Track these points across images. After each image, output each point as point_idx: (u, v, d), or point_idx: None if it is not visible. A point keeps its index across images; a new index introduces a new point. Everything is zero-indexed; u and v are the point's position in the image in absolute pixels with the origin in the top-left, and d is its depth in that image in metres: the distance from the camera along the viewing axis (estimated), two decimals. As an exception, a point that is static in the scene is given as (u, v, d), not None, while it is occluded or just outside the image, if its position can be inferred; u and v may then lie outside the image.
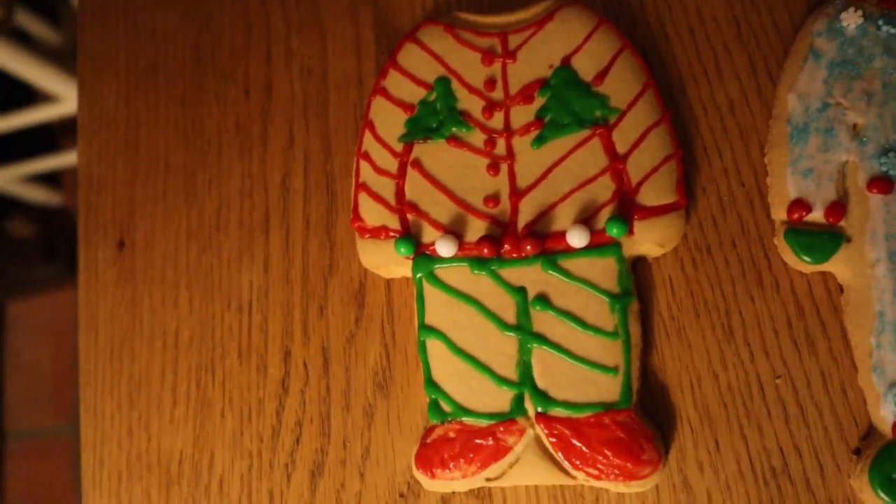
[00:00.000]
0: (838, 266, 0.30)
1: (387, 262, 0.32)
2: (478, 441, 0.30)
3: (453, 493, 0.32)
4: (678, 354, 0.31)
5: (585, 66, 0.32)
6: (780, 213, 0.31)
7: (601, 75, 0.32)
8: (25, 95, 0.95)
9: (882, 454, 0.28)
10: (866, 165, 0.30)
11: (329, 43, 0.38)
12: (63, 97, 0.89)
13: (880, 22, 0.31)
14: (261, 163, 0.37)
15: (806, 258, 0.30)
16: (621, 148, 0.31)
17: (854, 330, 0.29)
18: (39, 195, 1.12)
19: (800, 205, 0.30)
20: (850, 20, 0.31)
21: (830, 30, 0.31)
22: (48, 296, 1.12)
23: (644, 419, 0.30)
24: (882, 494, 0.28)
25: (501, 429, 0.30)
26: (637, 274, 0.32)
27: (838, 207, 0.30)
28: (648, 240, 0.31)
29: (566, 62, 0.33)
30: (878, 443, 0.28)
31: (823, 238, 0.30)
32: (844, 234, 0.30)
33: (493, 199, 0.32)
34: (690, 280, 0.32)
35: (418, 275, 0.31)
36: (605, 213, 0.31)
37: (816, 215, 0.30)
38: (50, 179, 1.13)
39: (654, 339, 0.32)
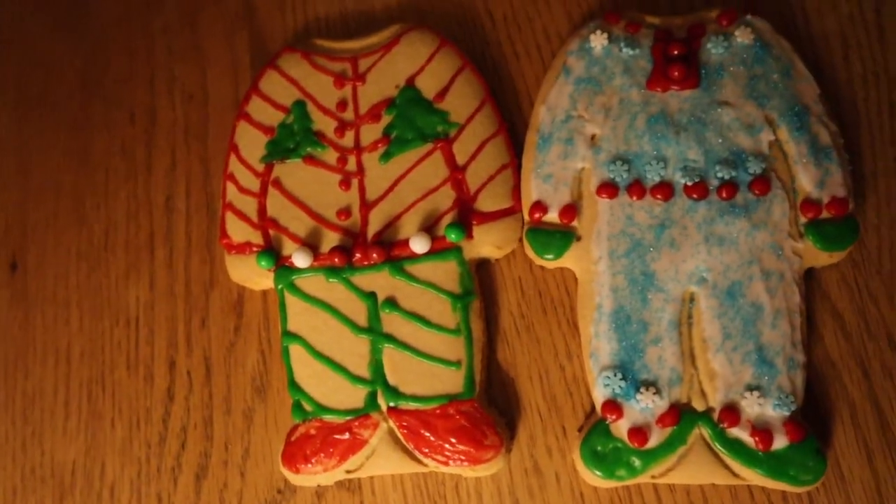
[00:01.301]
0: (571, 262, 0.32)
1: (252, 275, 0.35)
2: (336, 436, 0.32)
3: (326, 486, 0.34)
4: (528, 349, 0.34)
5: (428, 85, 0.35)
6: (525, 214, 0.33)
7: (442, 93, 0.35)
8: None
9: (593, 431, 0.31)
10: (598, 172, 0.33)
11: (209, 68, 0.40)
12: None
13: (622, 44, 0.34)
14: (146, 185, 0.39)
15: (543, 254, 0.32)
16: (461, 159, 0.34)
17: (580, 320, 0.32)
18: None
19: (539, 206, 0.33)
20: (597, 42, 0.34)
21: (581, 49, 0.34)
22: None
23: (488, 408, 0.32)
24: (590, 466, 0.31)
25: (357, 423, 0.32)
26: (488, 275, 0.35)
27: (571, 209, 0.32)
28: (487, 243, 0.33)
29: (411, 82, 0.35)
30: (594, 420, 0.31)
31: (557, 237, 0.32)
32: (575, 233, 0.33)
33: (345, 212, 0.34)
34: (538, 280, 0.35)
35: (279, 286, 0.34)
36: (445, 220, 0.33)
37: (552, 216, 0.33)
38: None
39: (505, 336, 0.34)
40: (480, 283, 0.34)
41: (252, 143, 0.36)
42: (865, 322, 0.32)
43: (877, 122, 0.34)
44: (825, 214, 0.31)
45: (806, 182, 0.32)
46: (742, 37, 0.33)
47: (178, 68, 0.41)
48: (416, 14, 0.39)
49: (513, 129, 0.36)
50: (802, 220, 0.31)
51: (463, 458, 0.31)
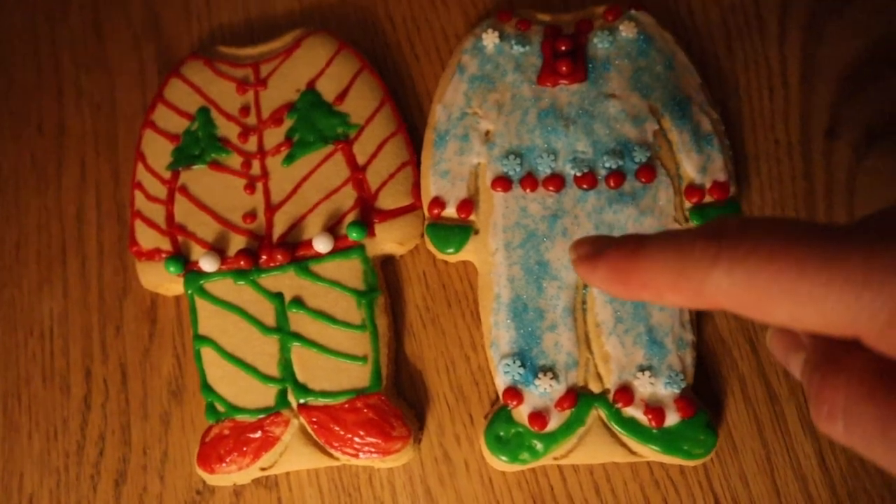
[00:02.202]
0: (471, 255, 0.34)
1: (162, 281, 0.35)
2: (249, 435, 0.33)
3: (243, 484, 0.35)
4: (434, 341, 0.35)
5: (328, 88, 0.36)
6: (424, 211, 0.34)
7: (342, 96, 0.35)
8: None
9: (496, 417, 0.32)
10: (492, 167, 0.34)
11: (116, 78, 0.41)
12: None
13: (513, 42, 0.35)
14: (56, 197, 0.39)
15: (443, 249, 0.34)
16: (361, 159, 0.35)
17: (481, 311, 0.33)
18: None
19: (437, 202, 0.34)
20: (489, 40, 0.35)
21: (474, 48, 0.35)
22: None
23: (396, 400, 0.33)
24: (492, 450, 0.32)
25: (269, 421, 0.33)
26: (393, 271, 0.36)
27: (468, 204, 0.34)
28: (389, 240, 0.34)
29: (311, 86, 0.36)
30: (497, 406, 0.33)
31: (455, 231, 0.33)
32: (473, 227, 0.34)
33: (251, 215, 0.35)
34: (442, 273, 0.36)
35: (189, 290, 0.34)
36: (348, 219, 0.34)
37: (450, 211, 0.34)
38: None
39: (412, 329, 0.35)
40: (386, 278, 0.35)
41: (158, 151, 0.36)
42: (752, 300, 0.34)
43: (758, 107, 0.36)
44: (708, 199, 0.33)
45: (689, 168, 0.33)
46: (626, 31, 0.35)
47: (85, 79, 0.41)
48: (318, 19, 0.39)
49: (414, 128, 0.37)
50: (687, 204, 0.33)
51: (372, 449, 0.32)
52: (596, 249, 0.20)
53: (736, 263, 0.17)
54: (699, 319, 0.33)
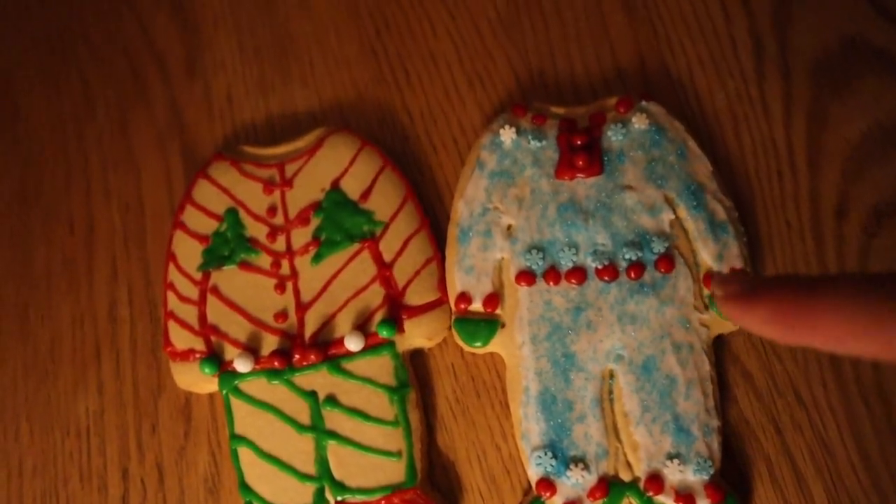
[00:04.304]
0: (499, 348, 0.35)
1: (197, 381, 0.36)
2: (288, 533, 0.34)
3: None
4: (465, 432, 0.36)
5: (352, 187, 0.37)
6: (451, 305, 0.35)
7: (366, 194, 0.37)
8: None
9: None
10: (516, 262, 0.35)
11: (143, 176, 0.42)
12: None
13: (530, 136, 0.36)
14: (88, 295, 0.40)
15: (471, 343, 0.35)
16: (387, 257, 0.36)
17: (511, 403, 0.34)
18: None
19: (464, 297, 0.35)
20: (506, 136, 0.36)
21: (492, 144, 0.37)
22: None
23: (431, 493, 0.34)
24: None
25: (307, 520, 0.34)
26: (423, 364, 0.37)
27: (494, 298, 0.35)
28: (418, 335, 0.35)
29: (335, 185, 0.37)
30: (530, 497, 0.33)
31: (482, 325, 0.34)
32: (500, 320, 0.35)
33: (282, 314, 0.36)
34: (470, 365, 0.37)
35: (224, 390, 0.35)
36: (377, 317, 0.35)
37: (477, 305, 0.35)
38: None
39: (443, 421, 0.36)
40: (415, 371, 0.36)
41: (189, 252, 0.37)
42: (773, 380, 0.35)
43: (768, 189, 0.37)
44: (726, 286, 0.34)
45: (706, 256, 0.34)
46: (638, 122, 0.36)
47: (113, 177, 0.42)
48: (338, 115, 0.41)
49: (435, 221, 0.38)
50: (706, 292, 0.34)
51: (410, 544, 0.33)
52: (749, 288, 0.19)
53: None
54: (723, 402, 0.34)
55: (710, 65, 0.39)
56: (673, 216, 0.35)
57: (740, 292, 0.20)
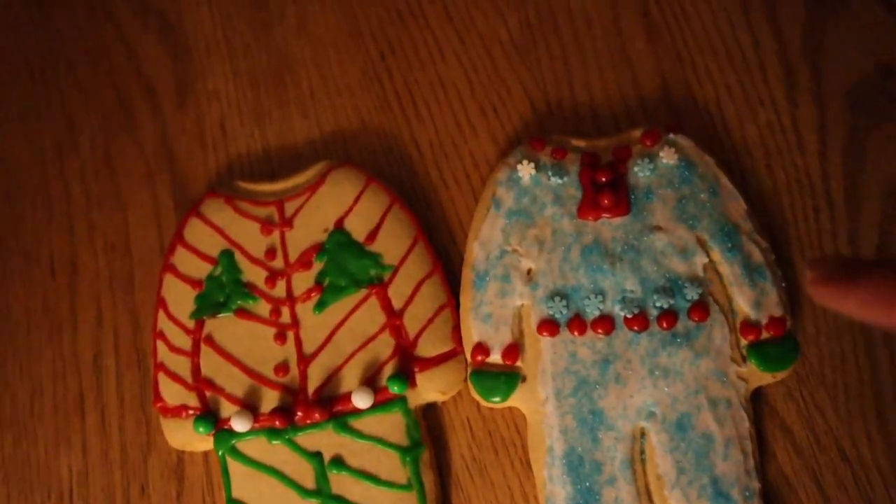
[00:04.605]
0: (519, 403, 0.32)
1: (190, 439, 0.33)
2: None
3: None
4: (482, 492, 0.33)
5: (357, 227, 0.34)
6: (467, 357, 0.33)
7: (372, 234, 0.34)
8: None
9: None
10: (537, 309, 0.32)
11: (130, 214, 0.39)
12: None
13: (550, 172, 0.34)
14: (71, 343, 0.37)
15: (489, 398, 0.32)
16: (397, 304, 0.33)
17: (533, 463, 0.31)
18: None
19: (481, 348, 0.32)
20: (525, 171, 0.34)
21: (509, 180, 0.34)
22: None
23: (447, 563, 0.31)
24: None
25: None
26: (436, 419, 0.34)
27: (514, 349, 0.32)
28: (431, 389, 0.32)
29: (339, 225, 0.34)
30: None
31: (501, 379, 0.32)
32: (521, 373, 0.32)
33: (283, 367, 0.33)
34: (487, 419, 0.34)
35: (220, 451, 0.32)
36: (387, 370, 0.32)
37: (495, 357, 0.32)
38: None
39: (458, 481, 0.33)
40: (428, 426, 0.33)
41: (181, 298, 0.35)
42: (815, 435, 0.32)
43: (804, 228, 0.34)
44: (765, 335, 0.31)
45: (743, 303, 0.32)
46: (667, 157, 0.33)
47: (98, 214, 0.39)
48: (340, 146, 0.38)
49: (448, 261, 0.35)
50: (743, 342, 0.31)
51: None
52: (847, 270, 0.20)
53: None
54: (760, 458, 0.32)
55: (738, 93, 0.37)
56: (706, 260, 0.32)
57: (837, 274, 0.20)
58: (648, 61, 0.38)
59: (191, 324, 0.34)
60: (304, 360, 0.33)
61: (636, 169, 0.33)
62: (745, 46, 0.37)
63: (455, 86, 0.38)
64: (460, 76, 0.39)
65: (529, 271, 0.33)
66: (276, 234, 0.35)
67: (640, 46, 0.38)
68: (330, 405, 0.32)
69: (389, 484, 0.31)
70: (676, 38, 0.38)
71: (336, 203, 0.35)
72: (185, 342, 0.34)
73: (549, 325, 0.32)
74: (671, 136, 0.34)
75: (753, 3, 0.38)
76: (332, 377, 0.32)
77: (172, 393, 0.33)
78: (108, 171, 0.40)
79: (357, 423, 0.32)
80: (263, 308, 0.34)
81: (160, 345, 0.34)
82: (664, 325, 0.31)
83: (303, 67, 0.40)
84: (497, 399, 0.32)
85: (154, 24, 0.42)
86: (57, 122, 0.41)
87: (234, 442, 0.32)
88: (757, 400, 0.32)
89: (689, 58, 0.37)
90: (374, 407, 0.32)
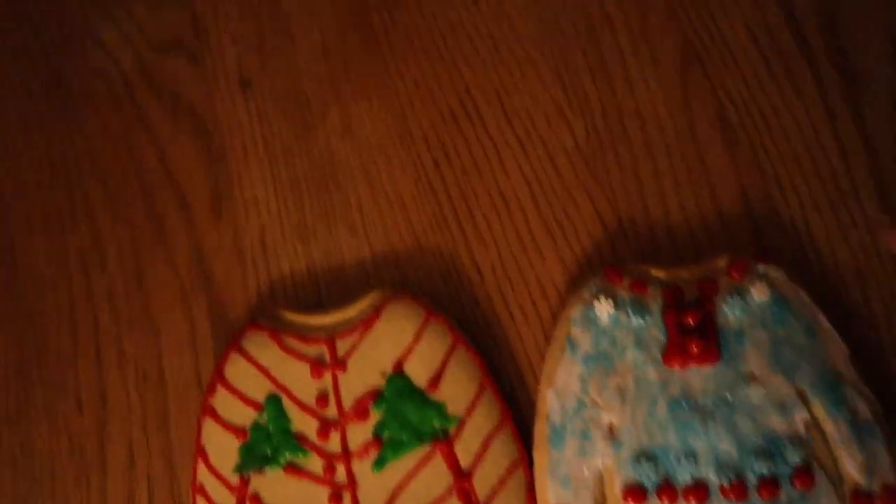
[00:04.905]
0: None
1: None
2: None
3: None
4: None
5: (418, 371, 0.31)
6: None
7: (435, 380, 0.31)
8: None
9: None
10: (622, 473, 0.29)
11: (163, 339, 0.36)
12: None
13: (630, 310, 0.31)
14: (100, 490, 0.34)
15: None
16: (465, 462, 0.30)
17: None
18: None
19: None
20: (603, 310, 0.31)
21: (585, 318, 0.31)
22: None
23: None
24: None
25: None
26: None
27: None
28: (504, 560, 0.29)
29: (398, 368, 0.31)
30: None
31: None
32: None
33: (339, 533, 0.30)
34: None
35: None
36: (455, 539, 0.29)
37: None
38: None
39: None
40: None
41: (223, 447, 0.31)
42: None
43: (908, 368, 0.31)
44: (878, 504, 0.28)
45: (852, 468, 0.28)
46: (758, 293, 0.30)
47: (128, 340, 0.36)
48: (393, 268, 0.35)
49: (515, 404, 0.32)
50: (854, 511, 0.28)
51: None
52: None
53: None
54: None
55: (827, 211, 0.33)
56: (807, 416, 0.29)
57: None
58: (727, 174, 0.34)
59: (234, 479, 0.31)
60: (363, 525, 0.30)
61: (725, 308, 0.30)
62: (833, 157, 0.34)
63: (517, 198, 0.35)
64: (522, 188, 0.35)
65: (611, 426, 0.30)
66: (327, 378, 0.32)
67: (718, 156, 0.35)
68: (392, 580, 0.29)
69: None
70: (757, 147, 0.35)
71: (393, 342, 0.32)
72: (228, 500, 0.31)
73: (635, 493, 0.29)
74: (760, 267, 0.31)
75: (837, 106, 0.35)
76: (395, 546, 0.29)
77: (215, 557, 0.30)
78: (138, 291, 0.37)
79: None
80: (315, 464, 0.31)
81: (200, 501, 0.31)
82: (765, 495, 0.28)
83: (348, 175, 0.37)
84: (579, 575, 0.29)
85: (187, 124, 0.39)
86: (82, 233, 0.38)
87: None
88: (862, 566, 0.29)
89: (772, 170, 0.34)
90: (442, 582, 0.29)
